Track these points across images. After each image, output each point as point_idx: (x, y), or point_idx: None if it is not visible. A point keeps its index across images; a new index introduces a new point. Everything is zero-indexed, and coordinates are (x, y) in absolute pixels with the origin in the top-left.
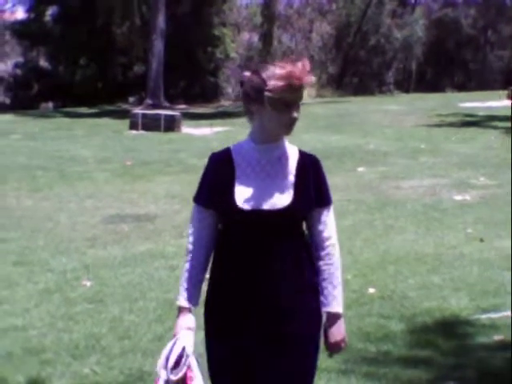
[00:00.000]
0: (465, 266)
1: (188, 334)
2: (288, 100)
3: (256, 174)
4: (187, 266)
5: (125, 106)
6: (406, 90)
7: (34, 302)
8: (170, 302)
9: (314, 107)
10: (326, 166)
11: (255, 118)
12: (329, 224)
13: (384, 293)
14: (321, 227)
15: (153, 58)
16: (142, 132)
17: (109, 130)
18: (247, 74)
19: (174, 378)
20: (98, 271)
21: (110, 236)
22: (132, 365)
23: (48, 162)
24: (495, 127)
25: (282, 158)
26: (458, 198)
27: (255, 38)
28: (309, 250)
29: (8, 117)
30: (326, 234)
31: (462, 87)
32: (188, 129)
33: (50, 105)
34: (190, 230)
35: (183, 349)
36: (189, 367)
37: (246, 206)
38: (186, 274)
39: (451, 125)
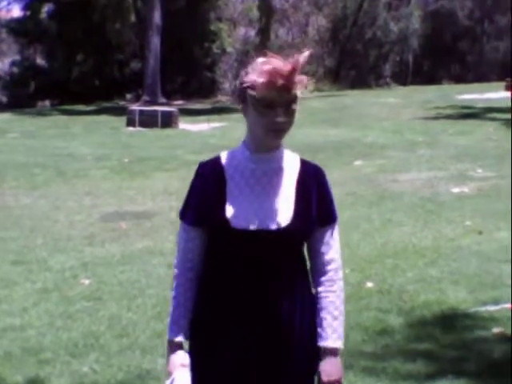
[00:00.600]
0: (463, 258)
1: (183, 372)
2: (271, 101)
3: (250, 188)
4: (174, 293)
5: (122, 103)
6: (403, 83)
7: (32, 301)
8: (169, 299)
9: (311, 101)
10: (324, 159)
11: (246, 121)
12: (332, 245)
13: (382, 286)
14: (323, 249)
15: (149, 54)
16: (139, 129)
17: (106, 127)
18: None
19: None
20: (96, 269)
21: (108, 233)
22: (131, 362)
23: (45, 160)
24: (493, 119)
25: (281, 168)
26: (456, 190)
27: (251, 32)
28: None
29: (5, 115)
30: (327, 257)
31: (459, 79)
32: (185, 125)
33: (47, 103)
34: (177, 251)
35: None
36: None
37: (239, 226)
38: (173, 303)
39: (449, 117)
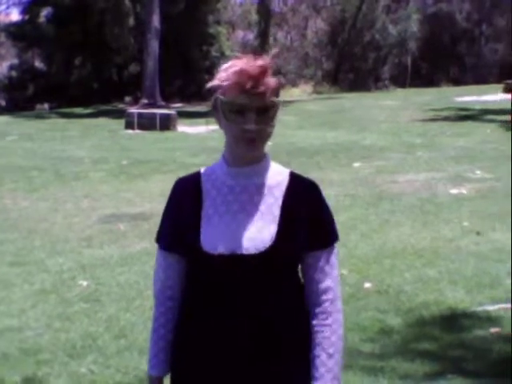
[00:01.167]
0: (461, 259)
1: None
2: (239, 105)
3: (227, 206)
4: (155, 324)
5: (120, 106)
6: (402, 85)
7: (30, 303)
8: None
9: (309, 104)
10: (322, 161)
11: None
12: (328, 272)
13: (380, 287)
14: (317, 276)
15: (148, 57)
16: (137, 131)
17: (104, 130)
18: None
19: None
20: (94, 271)
21: (106, 235)
22: (128, 363)
23: (44, 163)
24: (491, 121)
25: (264, 184)
26: (454, 191)
27: (250, 35)
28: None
29: (4, 118)
30: (322, 286)
31: (457, 81)
32: (184, 127)
33: (46, 106)
34: (155, 278)
35: None
36: None
37: (212, 250)
38: (154, 336)
39: (447, 119)
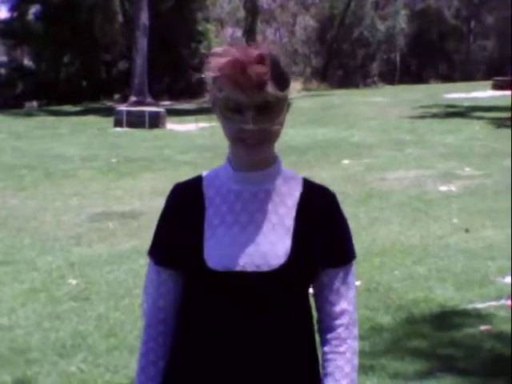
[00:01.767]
0: (450, 256)
1: None
2: (235, 102)
3: (235, 216)
4: (143, 349)
5: (109, 104)
6: (391, 82)
7: (19, 301)
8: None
9: (298, 101)
10: (312, 159)
11: None
12: (344, 293)
13: (370, 285)
14: (331, 297)
15: (137, 54)
16: (126, 129)
17: (94, 128)
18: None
19: None
20: (83, 269)
21: (96, 234)
22: (118, 362)
23: (33, 161)
24: (480, 118)
25: (275, 191)
26: (444, 188)
27: (238, 32)
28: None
29: None
30: (337, 309)
31: (446, 78)
32: (173, 125)
33: (35, 103)
34: (145, 297)
35: None
36: None
37: (218, 267)
38: (142, 362)
39: (435, 116)
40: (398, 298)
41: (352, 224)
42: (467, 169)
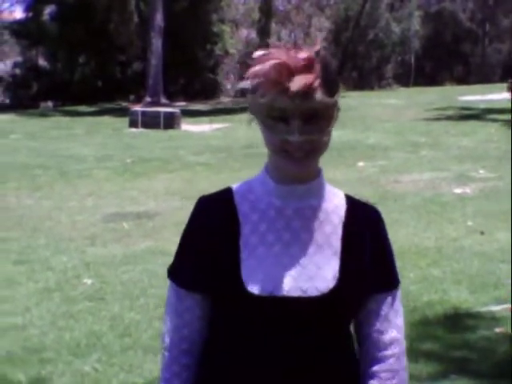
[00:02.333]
0: (465, 258)
1: None
2: (280, 110)
3: (276, 235)
4: None
5: (124, 104)
6: (406, 84)
7: (34, 301)
8: None
9: None
10: (327, 160)
11: None
12: (393, 320)
13: None
14: (380, 325)
15: (151, 55)
16: (141, 130)
17: (108, 128)
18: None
19: None
20: (98, 269)
21: (110, 234)
22: (132, 362)
23: (48, 161)
24: (495, 120)
25: (320, 207)
26: (458, 191)
27: (253, 34)
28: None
29: (8, 116)
30: (387, 337)
31: (461, 81)
32: (187, 126)
33: (50, 104)
34: (166, 326)
35: None
36: None
37: (259, 291)
38: None
39: (450, 118)
40: (412, 300)
41: None
42: (482, 171)
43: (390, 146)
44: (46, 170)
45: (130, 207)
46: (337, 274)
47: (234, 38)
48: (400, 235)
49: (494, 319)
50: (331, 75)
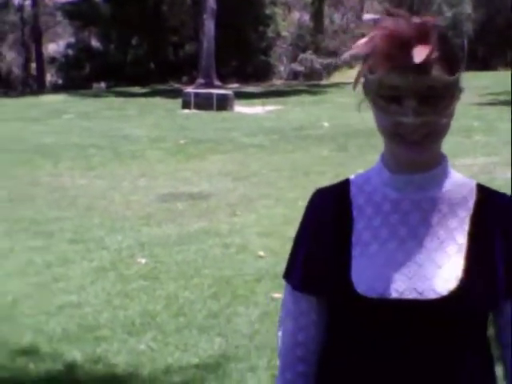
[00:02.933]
0: None
1: None
2: (392, 88)
3: (391, 230)
4: None
5: (177, 86)
6: None
7: (89, 280)
8: (225, 279)
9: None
10: (377, 143)
11: None
12: None
13: None
14: None
15: (204, 37)
16: (194, 111)
17: (161, 110)
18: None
19: None
20: (152, 249)
21: (164, 214)
22: (187, 341)
23: (101, 141)
24: None
25: (443, 199)
26: None
27: (306, 16)
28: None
29: (60, 97)
30: None
31: None
32: (240, 107)
33: (102, 85)
34: (280, 330)
35: None
36: None
37: (369, 293)
38: None
39: (504, 103)
40: None
41: None
42: None
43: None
44: (99, 150)
45: (184, 188)
46: (459, 274)
47: (287, 21)
48: None
49: None
50: (451, 48)
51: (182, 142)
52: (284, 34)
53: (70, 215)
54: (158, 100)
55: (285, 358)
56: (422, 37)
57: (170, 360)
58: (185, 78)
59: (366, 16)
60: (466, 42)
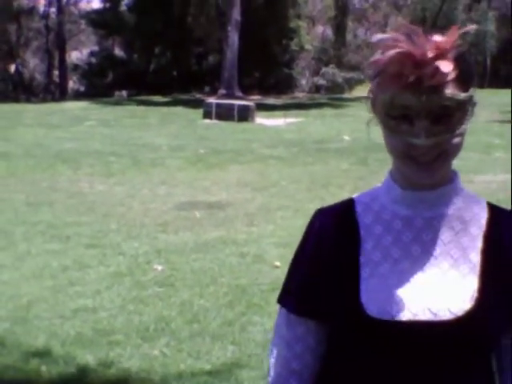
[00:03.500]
0: None
1: None
2: (400, 107)
3: (402, 249)
4: None
5: (198, 96)
6: (481, 85)
7: (105, 285)
8: (241, 288)
9: None
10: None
11: None
12: None
13: None
14: None
15: (228, 48)
16: (215, 121)
17: (182, 119)
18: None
19: None
20: (169, 256)
21: (182, 222)
22: (200, 348)
23: (121, 149)
24: None
25: (455, 216)
26: None
27: (329, 30)
28: None
29: (83, 104)
30: None
31: None
32: (261, 119)
33: (124, 93)
34: (273, 358)
35: None
36: None
37: (383, 314)
38: None
39: None
40: None
41: None
42: None
43: (463, 146)
44: (119, 158)
45: (202, 197)
46: (474, 294)
47: (310, 34)
48: None
49: None
50: (467, 65)
51: (202, 151)
52: (307, 47)
53: (88, 220)
54: (179, 109)
55: None
56: (437, 56)
57: (182, 366)
58: (207, 89)
59: (377, 36)
60: (488, 59)
